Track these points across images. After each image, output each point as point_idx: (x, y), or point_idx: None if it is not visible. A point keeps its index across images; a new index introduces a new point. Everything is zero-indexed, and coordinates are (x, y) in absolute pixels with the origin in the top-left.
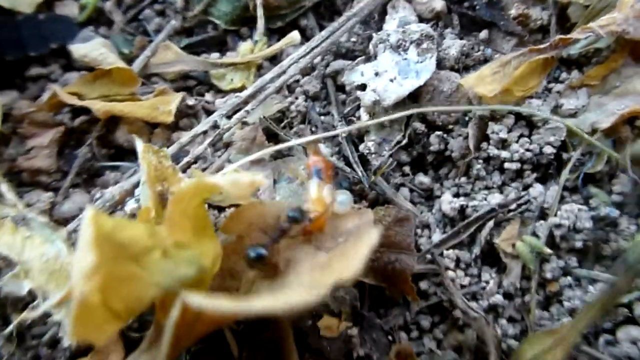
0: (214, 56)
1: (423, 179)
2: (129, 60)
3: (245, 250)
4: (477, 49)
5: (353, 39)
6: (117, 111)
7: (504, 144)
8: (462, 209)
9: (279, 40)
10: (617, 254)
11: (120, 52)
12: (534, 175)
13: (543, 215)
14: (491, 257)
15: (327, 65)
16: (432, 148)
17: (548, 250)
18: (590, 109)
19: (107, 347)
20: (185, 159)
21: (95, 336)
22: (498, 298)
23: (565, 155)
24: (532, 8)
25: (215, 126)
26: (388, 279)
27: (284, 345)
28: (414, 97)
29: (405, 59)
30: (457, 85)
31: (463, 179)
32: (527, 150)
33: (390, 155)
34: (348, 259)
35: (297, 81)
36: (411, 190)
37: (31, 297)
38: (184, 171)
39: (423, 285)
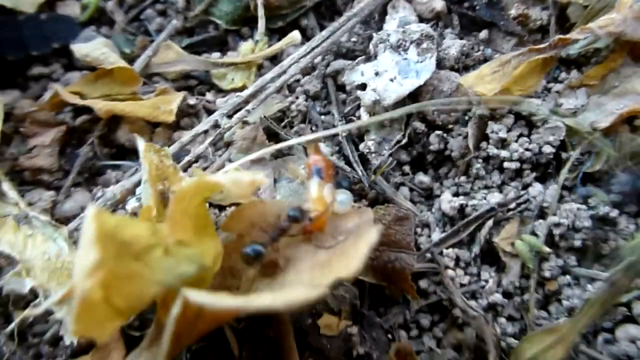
0: (215, 56)
1: (423, 178)
2: (131, 59)
3: (243, 248)
4: (477, 48)
5: (353, 39)
6: (119, 110)
7: (503, 144)
8: (461, 208)
9: (279, 40)
10: (616, 253)
11: (121, 51)
12: (533, 174)
13: (542, 214)
14: (490, 256)
15: (328, 65)
16: (431, 147)
17: (547, 249)
18: (589, 108)
19: (108, 345)
20: (186, 158)
21: (97, 333)
22: (497, 297)
23: (564, 155)
24: (532, 8)
25: (216, 125)
26: (388, 278)
27: (284, 344)
28: (414, 96)
29: (405, 58)
30: (456, 85)
31: (463, 178)
32: (527, 149)
33: (390, 155)
34: (348, 257)
35: (298, 81)
36: (411, 190)
37: (33, 295)
38: (184, 170)
39: (423, 284)
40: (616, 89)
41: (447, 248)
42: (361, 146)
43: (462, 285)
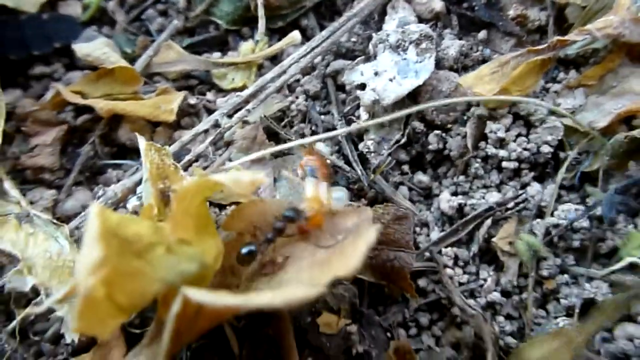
0: (216, 56)
1: (422, 177)
2: (132, 59)
3: (242, 247)
4: (475, 49)
5: (353, 39)
6: (120, 110)
7: (502, 143)
8: (460, 208)
9: (279, 40)
10: (614, 252)
11: (122, 51)
12: (532, 174)
13: (540, 213)
14: (489, 255)
15: (328, 65)
16: (430, 147)
17: (545, 250)
18: (587, 108)
19: (109, 342)
20: (187, 157)
21: (98, 330)
22: (496, 295)
23: (562, 155)
24: (530, 9)
25: (216, 125)
26: (387, 277)
27: (284, 342)
28: (413, 96)
29: (405, 58)
30: (455, 85)
31: (461, 178)
32: (525, 149)
33: (390, 154)
34: (347, 256)
35: (298, 81)
36: (410, 189)
37: (34, 293)
38: (185, 169)
39: (422, 282)
40: (614, 89)
41: (445, 247)
42: (360, 146)
43: (460, 284)
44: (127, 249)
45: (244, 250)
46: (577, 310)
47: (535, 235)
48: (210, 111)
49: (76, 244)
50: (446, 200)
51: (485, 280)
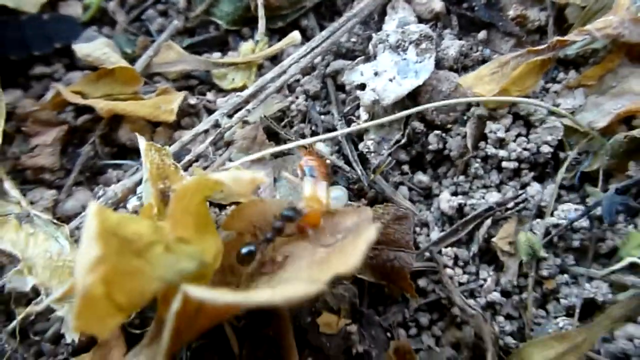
0: (216, 56)
1: (422, 177)
2: (132, 59)
3: (242, 247)
4: (475, 49)
5: (353, 39)
6: (120, 110)
7: (501, 143)
8: (460, 208)
9: (279, 40)
10: (614, 252)
11: (123, 51)
12: (532, 174)
13: (540, 213)
14: (489, 255)
15: (327, 65)
16: (430, 147)
17: (543, 251)
18: (587, 108)
19: (109, 342)
20: (187, 157)
21: (98, 329)
22: (495, 295)
23: (562, 155)
24: (530, 9)
25: (216, 125)
26: (387, 277)
27: (284, 342)
28: (413, 96)
29: (405, 59)
30: (455, 85)
31: (461, 178)
32: (525, 149)
33: (390, 154)
34: (346, 254)
35: (298, 81)
36: (410, 189)
37: (34, 293)
38: (185, 169)
39: (422, 282)
40: (614, 89)
41: (445, 247)
42: (360, 146)
43: (460, 284)
44: (126, 247)
45: (244, 250)
46: (577, 310)
47: (535, 235)
48: (210, 111)
49: (76, 244)
50: (446, 200)
51: (485, 280)
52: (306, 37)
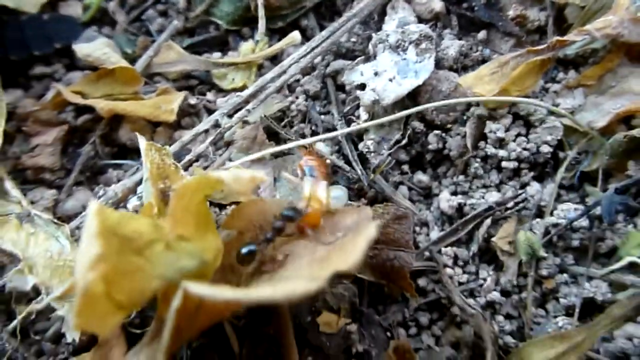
0: (216, 56)
1: (421, 177)
2: (132, 59)
3: (242, 246)
4: (475, 49)
5: (353, 39)
6: (120, 110)
7: (501, 143)
8: (460, 207)
9: (279, 40)
10: (613, 252)
11: (123, 51)
12: (531, 173)
13: (540, 213)
14: (488, 255)
15: (327, 65)
16: (430, 147)
17: (543, 250)
18: (586, 108)
19: (110, 341)
20: (187, 157)
21: (98, 327)
22: (495, 295)
23: (561, 154)
24: (530, 9)
25: (216, 125)
26: (387, 276)
27: (284, 341)
28: (413, 96)
29: (404, 59)
30: (455, 85)
31: (461, 178)
32: (524, 149)
33: (389, 154)
34: (346, 251)
35: (298, 81)
36: (410, 189)
37: (35, 292)
38: (185, 169)
39: (421, 282)
40: (613, 89)
41: (445, 247)
42: (360, 145)
43: (460, 283)
44: (125, 246)
45: (244, 250)
46: (576, 310)
47: (535, 235)
48: (210, 111)
49: (77, 243)
50: (446, 200)
51: (484, 279)
52: (306, 37)
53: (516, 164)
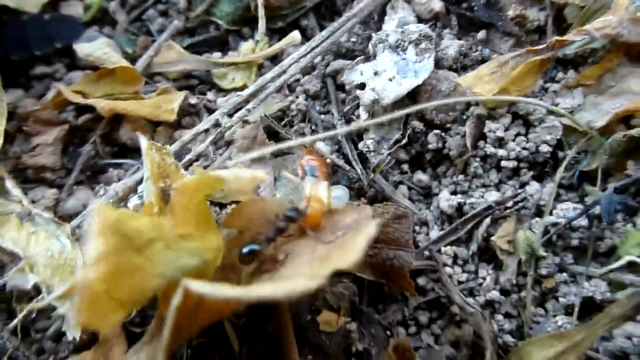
0: (216, 56)
1: (421, 176)
2: (133, 59)
3: (243, 245)
4: (475, 49)
5: (353, 39)
6: (121, 109)
7: (500, 143)
8: (459, 207)
9: (279, 40)
10: (612, 251)
11: (123, 51)
12: (530, 173)
13: (539, 212)
14: (488, 254)
15: (327, 64)
16: (430, 146)
17: (542, 250)
18: (585, 108)
19: (110, 340)
20: (187, 157)
21: (99, 324)
22: (494, 294)
23: (561, 154)
24: (529, 9)
25: (216, 124)
26: (387, 275)
27: (284, 340)
28: (413, 96)
29: (404, 58)
30: (455, 85)
31: (460, 177)
32: (524, 148)
33: (389, 154)
34: (346, 250)
35: (298, 80)
36: (409, 188)
37: (36, 291)
38: (186, 168)
39: (421, 281)
40: (612, 89)
41: (445, 246)
42: (360, 145)
43: (460, 282)
44: (126, 244)
45: (246, 250)
46: (576, 309)
47: (534, 234)
48: (210, 111)
49: (77, 242)
50: (445, 199)
51: (484, 278)
52: (306, 37)
53: (515, 163)
